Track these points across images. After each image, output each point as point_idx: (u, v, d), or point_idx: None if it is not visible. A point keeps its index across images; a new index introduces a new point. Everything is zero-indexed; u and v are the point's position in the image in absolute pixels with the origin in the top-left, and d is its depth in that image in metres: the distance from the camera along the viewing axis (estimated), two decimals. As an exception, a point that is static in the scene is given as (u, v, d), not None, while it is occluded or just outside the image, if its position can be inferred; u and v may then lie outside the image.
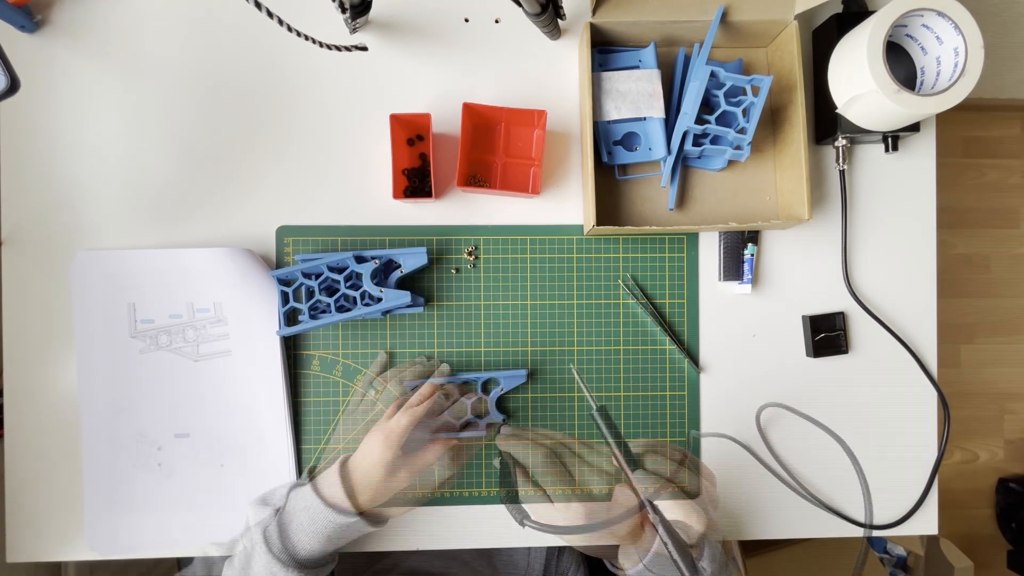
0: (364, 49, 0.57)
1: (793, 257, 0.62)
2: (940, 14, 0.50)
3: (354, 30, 0.58)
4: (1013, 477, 1.46)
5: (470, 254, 0.60)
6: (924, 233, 0.63)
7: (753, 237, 0.61)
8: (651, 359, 0.61)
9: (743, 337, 0.62)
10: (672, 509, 0.45)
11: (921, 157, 0.63)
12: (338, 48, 0.54)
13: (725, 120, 0.56)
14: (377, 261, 0.56)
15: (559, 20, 0.57)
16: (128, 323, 0.58)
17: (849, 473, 0.62)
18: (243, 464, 0.59)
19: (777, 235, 0.62)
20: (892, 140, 0.59)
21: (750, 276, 0.61)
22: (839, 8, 0.60)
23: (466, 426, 0.58)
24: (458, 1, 0.61)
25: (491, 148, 0.60)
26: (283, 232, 0.60)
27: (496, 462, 0.55)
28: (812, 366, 0.62)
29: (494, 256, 0.61)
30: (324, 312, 0.56)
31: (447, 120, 0.60)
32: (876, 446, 0.62)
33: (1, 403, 0.59)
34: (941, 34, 0.51)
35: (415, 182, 0.59)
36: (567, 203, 0.61)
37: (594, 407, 0.48)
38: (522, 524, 0.49)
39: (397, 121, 0.57)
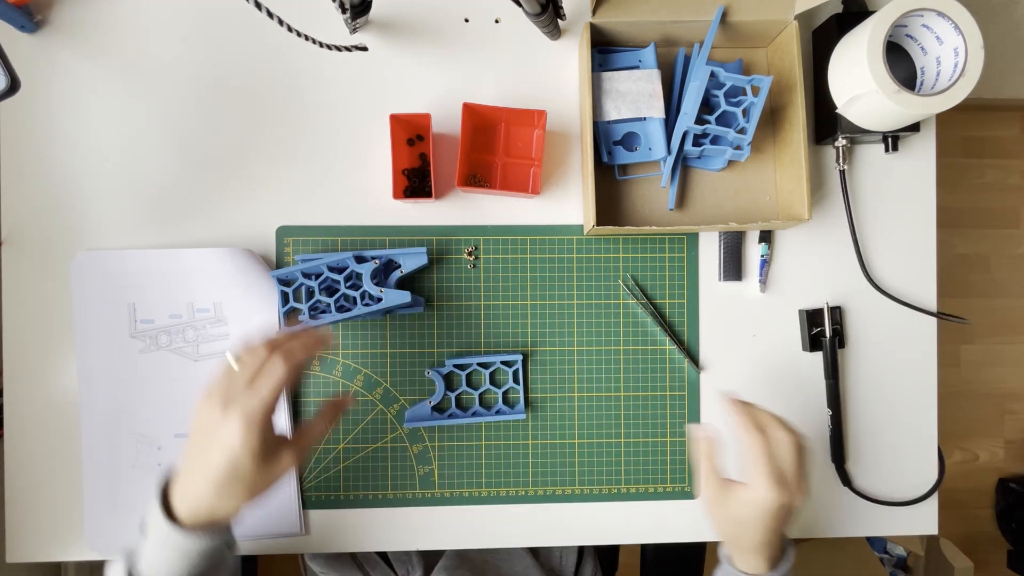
0: (364, 49, 0.57)
1: (794, 257, 0.62)
2: (940, 14, 0.50)
3: (354, 30, 0.58)
4: (1013, 477, 1.46)
5: (470, 254, 0.60)
6: (924, 233, 0.63)
7: (766, 237, 0.61)
8: (651, 359, 0.61)
9: (743, 337, 0.62)
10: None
11: (921, 157, 0.63)
12: (338, 48, 0.54)
13: (725, 120, 0.56)
14: (377, 261, 0.56)
15: (559, 20, 0.57)
16: (128, 323, 0.58)
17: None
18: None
19: (778, 235, 0.62)
20: (892, 140, 0.59)
21: (762, 276, 0.61)
22: (839, 8, 0.60)
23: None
24: (458, 1, 0.61)
25: (491, 148, 0.60)
26: (283, 232, 0.60)
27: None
28: (811, 363, 0.62)
29: (494, 256, 0.61)
30: (324, 312, 0.56)
31: (447, 120, 0.60)
32: (876, 444, 0.62)
33: (1, 403, 0.59)
34: (941, 34, 0.51)
35: (415, 182, 0.59)
36: (567, 203, 0.61)
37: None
38: None
39: (397, 121, 0.57)
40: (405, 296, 0.55)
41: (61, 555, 0.59)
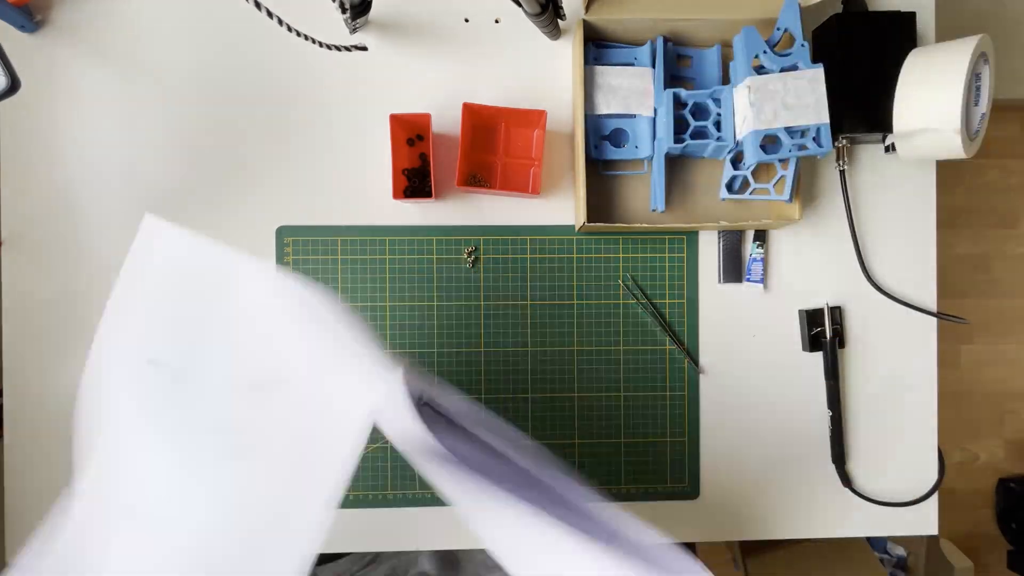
0: (364, 49, 0.57)
1: (793, 257, 0.62)
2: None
3: (354, 30, 0.58)
4: (1013, 477, 1.46)
5: (470, 255, 0.60)
6: (924, 233, 0.63)
7: (761, 237, 0.61)
8: (651, 359, 0.61)
9: (743, 337, 0.62)
10: None
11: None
12: (338, 48, 0.54)
13: (703, 132, 0.57)
14: None
15: (559, 20, 0.57)
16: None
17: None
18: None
19: (777, 235, 0.62)
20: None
21: (761, 275, 0.61)
22: (839, 8, 0.60)
23: None
24: (458, 1, 0.61)
25: (491, 148, 0.60)
26: (283, 232, 0.60)
27: None
28: (811, 363, 0.62)
29: (494, 256, 0.61)
30: None
31: (447, 120, 0.60)
32: (876, 444, 0.62)
33: (1, 403, 0.59)
34: (981, 70, 0.53)
35: (415, 182, 0.59)
36: (567, 203, 0.61)
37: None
38: None
39: (397, 121, 0.57)
40: None
41: (61, 555, 0.59)
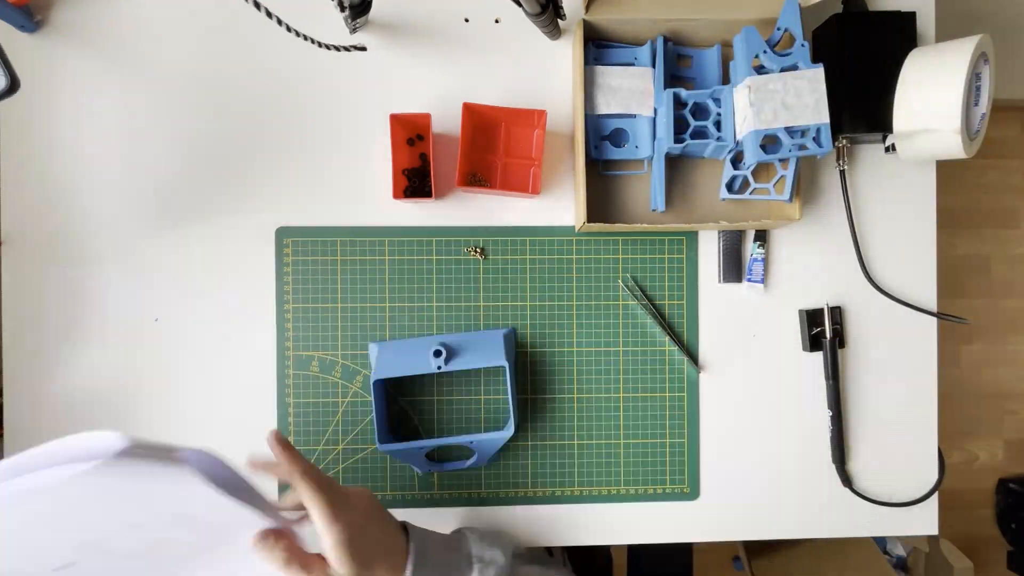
0: (364, 49, 0.57)
1: (793, 257, 0.62)
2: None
3: (354, 30, 0.58)
4: (1013, 477, 1.46)
5: (480, 252, 0.60)
6: (924, 233, 0.63)
7: (761, 237, 0.61)
8: (651, 360, 0.61)
9: (743, 337, 0.62)
10: None
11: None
12: (338, 48, 0.54)
13: (703, 131, 0.57)
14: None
15: (559, 20, 0.57)
16: None
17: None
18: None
19: (777, 235, 0.62)
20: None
21: (761, 275, 0.61)
22: (839, 8, 0.60)
23: None
24: (458, 1, 0.61)
25: (491, 148, 0.60)
26: (283, 233, 0.60)
27: None
28: (812, 363, 0.62)
29: (494, 256, 0.61)
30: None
31: (447, 120, 0.60)
32: (876, 444, 0.62)
33: (1, 403, 0.59)
34: (982, 70, 0.53)
35: (415, 182, 0.59)
36: (568, 203, 0.61)
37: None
38: None
39: (397, 121, 0.57)
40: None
41: (61, 555, 0.59)
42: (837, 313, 0.62)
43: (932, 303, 0.63)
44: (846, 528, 0.62)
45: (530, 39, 0.60)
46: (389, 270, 0.60)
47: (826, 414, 0.62)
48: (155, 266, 0.59)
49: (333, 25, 0.59)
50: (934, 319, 0.62)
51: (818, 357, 0.62)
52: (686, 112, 0.57)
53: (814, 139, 0.53)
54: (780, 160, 0.54)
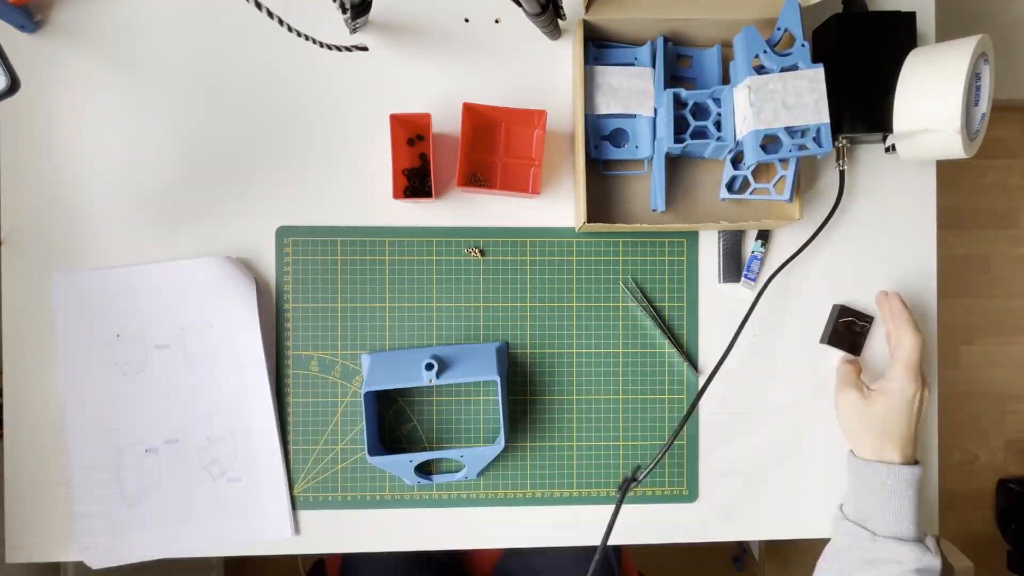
0: (364, 49, 0.57)
1: (796, 258, 0.62)
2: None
3: (354, 30, 0.58)
4: (1013, 478, 1.46)
5: (480, 252, 0.60)
6: (924, 233, 0.63)
7: (763, 236, 0.61)
8: (650, 362, 0.61)
9: (743, 337, 0.62)
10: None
11: (921, 157, 0.63)
12: (338, 48, 0.54)
13: (703, 131, 0.57)
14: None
15: (559, 20, 0.57)
16: (111, 341, 0.58)
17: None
18: (232, 467, 0.59)
19: (777, 235, 0.62)
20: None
21: (748, 273, 0.61)
22: (839, 8, 0.60)
23: None
24: (458, 1, 0.61)
25: (491, 148, 0.60)
26: (283, 233, 0.60)
27: None
28: (811, 363, 0.62)
29: (494, 257, 0.61)
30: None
31: (447, 120, 0.60)
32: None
33: (1, 403, 0.59)
34: (982, 70, 0.53)
35: (415, 182, 0.59)
36: (567, 203, 0.61)
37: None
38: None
39: (397, 121, 0.57)
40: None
41: (61, 555, 0.59)
42: (869, 320, 0.62)
43: (932, 303, 0.63)
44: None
45: (530, 39, 0.60)
46: (389, 270, 0.60)
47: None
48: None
49: (333, 25, 0.59)
50: (934, 319, 0.62)
51: (818, 357, 0.62)
52: (686, 112, 0.56)
53: (814, 139, 0.53)
54: (780, 160, 0.54)
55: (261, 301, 0.59)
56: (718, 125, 0.56)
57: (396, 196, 0.58)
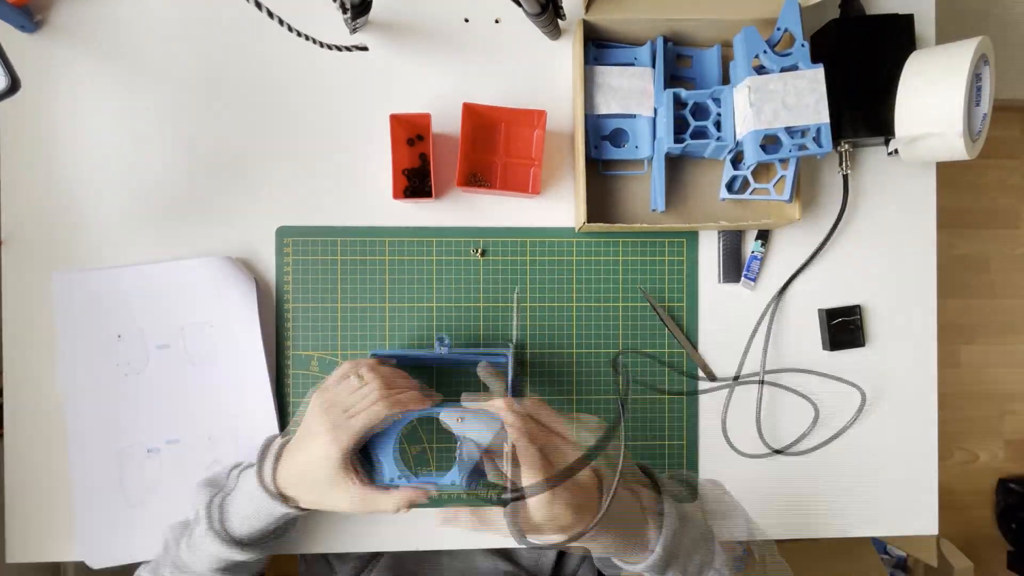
0: (364, 49, 0.57)
1: (795, 258, 0.62)
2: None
3: (354, 30, 0.58)
4: (1013, 478, 1.46)
5: (482, 253, 0.60)
6: (924, 233, 0.63)
7: (763, 236, 0.61)
8: (650, 362, 0.61)
9: (743, 338, 0.62)
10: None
11: (921, 157, 0.63)
12: (338, 48, 0.54)
13: (703, 131, 0.57)
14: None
15: (559, 20, 0.57)
16: (112, 342, 0.58)
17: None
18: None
19: (778, 236, 0.62)
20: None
21: (748, 273, 0.61)
22: (837, 13, 0.60)
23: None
24: (458, 1, 0.61)
25: (491, 148, 0.60)
26: (283, 233, 0.60)
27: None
28: (810, 363, 0.62)
29: (494, 257, 0.61)
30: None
31: (447, 120, 0.60)
32: (875, 444, 0.62)
33: (1, 403, 0.59)
34: (983, 72, 0.53)
35: (415, 182, 0.59)
36: (567, 203, 0.61)
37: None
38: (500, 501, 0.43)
39: (397, 121, 0.57)
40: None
41: (61, 555, 0.59)
42: (857, 311, 0.62)
43: (932, 303, 0.63)
44: (847, 528, 0.62)
45: (530, 39, 0.60)
46: (389, 270, 0.60)
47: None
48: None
49: (334, 25, 0.59)
50: (934, 318, 0.62)
51: (817, 357, 0.62)
52: (686, 112, 0.56)
53: (814, 139, 0.53)
54: (780, 160, 0.54)
55: (261, 301, 0.59)
56: (718, 125, 0.56)
57: (396, 196, 0.58)
